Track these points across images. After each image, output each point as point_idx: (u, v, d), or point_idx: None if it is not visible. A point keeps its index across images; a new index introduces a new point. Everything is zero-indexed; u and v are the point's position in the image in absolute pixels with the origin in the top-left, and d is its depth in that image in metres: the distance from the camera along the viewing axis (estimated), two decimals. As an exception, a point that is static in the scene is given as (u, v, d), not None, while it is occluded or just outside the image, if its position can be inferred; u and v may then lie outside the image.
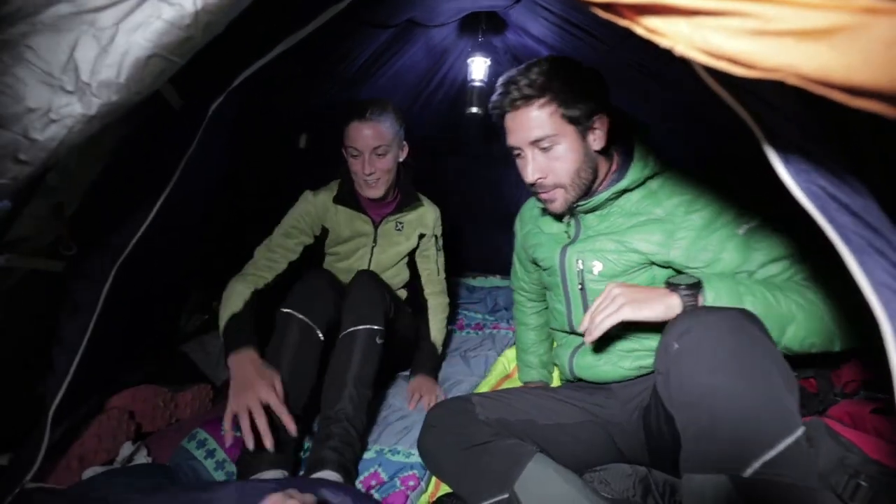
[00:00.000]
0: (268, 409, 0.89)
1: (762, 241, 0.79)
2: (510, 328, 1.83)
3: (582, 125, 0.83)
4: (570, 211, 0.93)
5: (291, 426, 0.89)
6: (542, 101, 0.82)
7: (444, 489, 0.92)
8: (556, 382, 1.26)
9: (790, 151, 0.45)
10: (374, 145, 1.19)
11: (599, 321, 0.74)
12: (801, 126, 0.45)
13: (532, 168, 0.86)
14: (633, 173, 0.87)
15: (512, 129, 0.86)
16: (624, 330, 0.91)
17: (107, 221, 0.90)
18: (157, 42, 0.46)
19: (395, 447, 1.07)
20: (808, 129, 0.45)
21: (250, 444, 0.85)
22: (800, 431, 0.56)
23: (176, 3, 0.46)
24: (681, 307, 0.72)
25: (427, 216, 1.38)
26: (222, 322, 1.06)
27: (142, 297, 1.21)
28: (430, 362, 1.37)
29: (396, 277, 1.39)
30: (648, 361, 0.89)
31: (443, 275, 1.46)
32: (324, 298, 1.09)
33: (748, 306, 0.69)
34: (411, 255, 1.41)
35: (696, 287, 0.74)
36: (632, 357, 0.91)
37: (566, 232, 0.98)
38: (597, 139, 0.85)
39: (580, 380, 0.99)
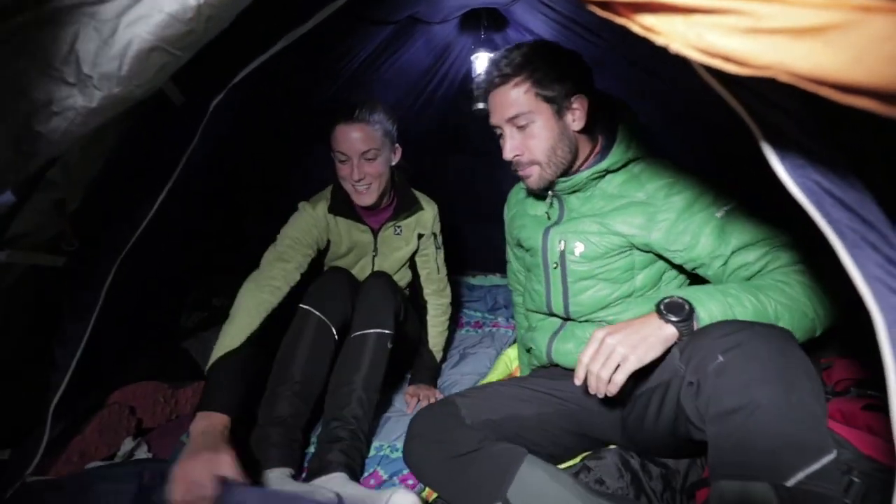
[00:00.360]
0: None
1: (737, 225, 0.81)
2: (510, 326, 1.83)
3: (558, 104, 0.86)
4: (550, 188, 0.95)
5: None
6: (518, 79, 0.85)
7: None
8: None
9: (786, 147, 0.45)
10: (363, 149, 1.12)
11: (606, 377, 0.71)
12: (797, 122, 0.45)
13: (510, 146, 0.88)
14: (615, 155, 0.89)
15: (492, 107, 0.90)
16: (602, 312, 0.92)
17: (108, 217, 0.90)
18: (158, 35, 0.46)
19: (394, 444, 1.08)
20: (805, 125, 0.46)
21: None
22: (836, 453, 0.57)
23: (178, -4, 0.46)
24: (677, 336, 0.72)
25: (425, 216, 1.35)
26: (214, 355, 0.92)
27: (143, 293, 1.22)
28: (429, 371, 1.36)
29: (400, 281, 1.38)
30: None
31: (443, 272, 1.44)
32: (341, 297, 1.09)
33: (739, 317, 0.70)
34: (412, 256, 1.39)
35: (686, 311, 0.72)
36: None
37: (548, 213, 0.99)
38: (576, 119, 0.87)
39: (555, 365, 0.99)
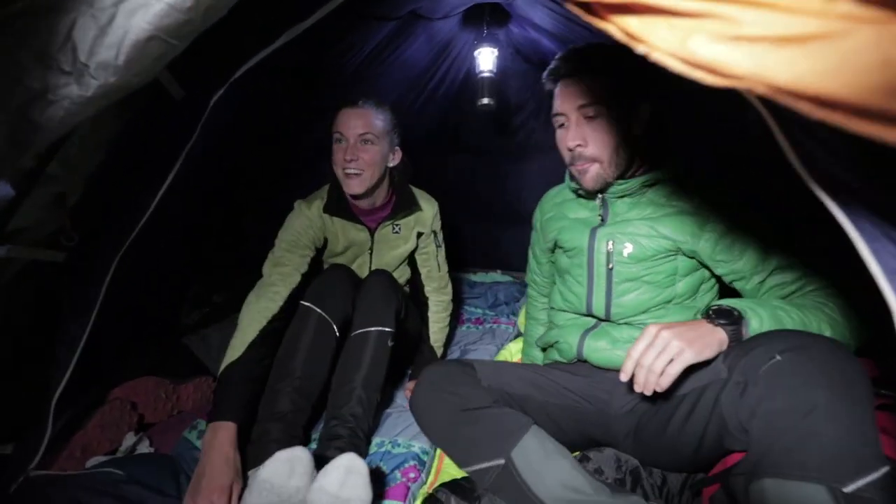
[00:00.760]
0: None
1: (776, 248, 0.83)
2: (510, 323, 1.83)
3: (630, 107, 0.87)
4: (602, 190, 0.95)
5: None
6: (600, 72, 0.86)
7: (441, 480, 0.92)
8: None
9: (802, 139, 0.44)
10: (361, 131, 1.12)
11: (660, 368, 0.69)
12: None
13: (574, 133, 0.88)
14: (671, 164, 0.92)
15: (563, 94, 0.89)
16: (642, 316, 0.93)
17: (109, 212, 0.90)
18: (156, 24, 0.46)
19: (395, 439, 1.07)
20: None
21: None
22: (889, 466, 0.56)
23: (175, -15, 0.45)
24: (727, 343, 0.72)
25: (424, 214, 1.34)
26: (223, 362, 0.96)
27: (143, 289, 1.22)
28: None
29: (399, 279, 1.37)
30: None
31: (444, 270, 1.42)
32: (341, 294, 1.09)
33: (789, 327, 0.71)
34: (411, 254, 1.38)
35: (736, 318, 0.73)
36: None
37: (598, 215, 1.00)
38: (640, 126, 0.89)
39: (583, 362, 0.99)
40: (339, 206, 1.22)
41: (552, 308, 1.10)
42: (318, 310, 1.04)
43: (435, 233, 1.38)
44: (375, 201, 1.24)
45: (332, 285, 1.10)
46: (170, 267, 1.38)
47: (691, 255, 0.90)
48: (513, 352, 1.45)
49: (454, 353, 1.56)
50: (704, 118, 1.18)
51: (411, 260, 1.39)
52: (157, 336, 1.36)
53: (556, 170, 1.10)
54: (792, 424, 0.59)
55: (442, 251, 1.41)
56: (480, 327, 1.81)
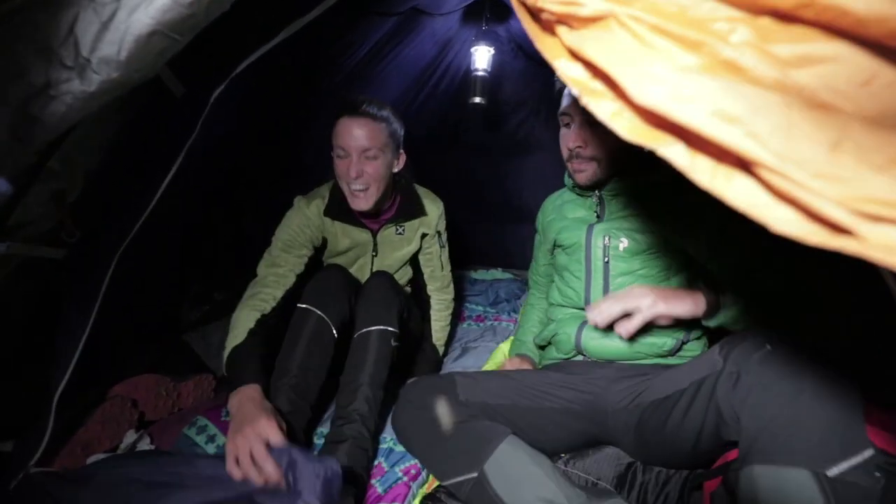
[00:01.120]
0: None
1: (764, 248, 0.85)
2: (511, 320, 1.83)
3: None
4: (598, 188, 0.99)
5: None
6: None
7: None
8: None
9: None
10: (365, 146, 1.06)
11: (616, 311, 0.80)
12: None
13: (576, 134, 0.92)
14: (668, 166, 0.91)
15: (572, 95, 0.92)
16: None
17: (109, 209, 0.89)
18: (159, 19, 0.45)
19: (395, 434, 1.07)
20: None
21: (259, 481, 0.76)
22: (874, 450, 0.58)
23: (178, -21, 0.45)
24: (704, 302, 0.81)
25: (430, 216, 1.31)
26: (225, 355, 0.98)
27: (144, 286, 1.21)
28: (431, 365, 1.35)
29: (401, 280, 1.35)
30: (659, 340, 0.92)
31: (447, 269, 1.41)
32: (339, 296, 1.08)
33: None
34: (414, 256, 1.36)
35: (715, 287, 0.80)
36: (643, 332, 0.91)
37: (594, 212, 1.03)
38: None
39: (582, 355, 1.00)
40: (341, 208, 1.19)
41: (551, 304, 1.11)
42: (317, 311, 1.03)
43: (439, 233, 1.36)
44: (380, 207, 1.22)
45: (329, 287, 1.09)
46: (170, 265, 1.38)
47: (684, 251, 0.93)
48: (505, 351, 1.44)
49: (455, 351, 1.56)
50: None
51: (414, 260, 1.38)
52: (158, 334, 1.36)
53: (557, 167, 1.10)
54: (779, 411, 0.61)
55: (446, 251, 1.39)
56: (481, 324, 1.81)
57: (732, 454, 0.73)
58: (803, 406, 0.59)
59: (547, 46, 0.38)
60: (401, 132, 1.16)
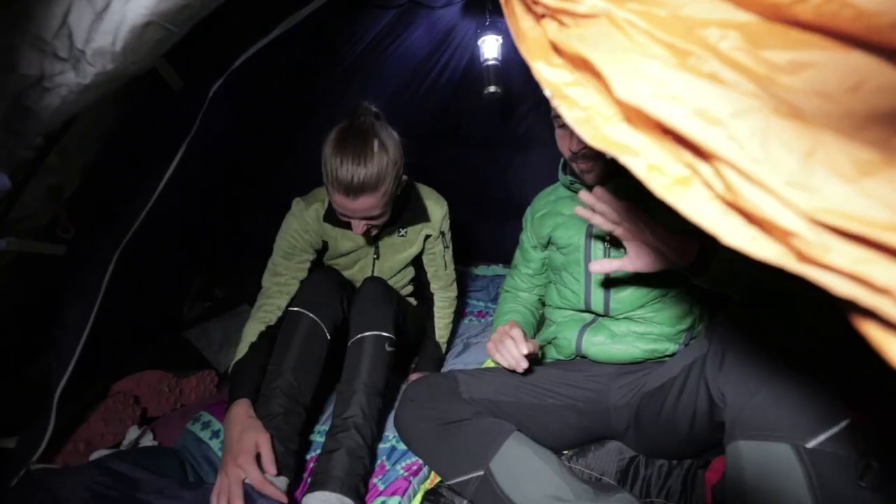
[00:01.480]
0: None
1: None
2: (514, 316, 1.82)
3: None
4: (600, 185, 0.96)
5: (275, 486, 0.83)
6: None
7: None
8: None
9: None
10: (366, 215, 1.03)
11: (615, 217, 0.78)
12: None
13: (577, 138, 0.89)
14: None
15: None
16: (640, 310, 0.93)
17: (107, 204, 0.89)
18: (153, 9, 0.44)
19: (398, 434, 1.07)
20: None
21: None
22: (850, 419, 0.59)
23: (172, -32, 0.44)
24: (695, 248, 0.76)
25: (433, 218, 1.28)
26: (231, 369, 1.02)
27: (145, 282, 1.21)
28: (434, 361, 1.35)
29: (402, 280, 1.35)
30: (661, 346, 0.91)
31: (451, 269, 1.39)
32: (331, 298, 1.07)
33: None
34: (417, 257, 1.34)
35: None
36: (645, 339, 0.91)
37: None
38: None
39: (582, 357, 0.99)
40: (340, 218, 1.14)
41: (549, 306, 1.10)
42: (309, 314, 1.03)
43: (443, 233, 1.33)
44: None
45: (320, 289, 1.08)
46: (168, 263, 1.38)
47: None
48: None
49: (457, 347, 1.56)
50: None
51: (417, 260, 1.36)
52: (160, 330, 1.36)
53: (557, 164, 1.09)
54: (758, 386, 0.62)
55: (449, 251, 1.37)
56: (483, 320, 1.81)
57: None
58: (782, 381, 0.61)
59: (528, 46, 0.38)
60: (402, 162, 1.05)
